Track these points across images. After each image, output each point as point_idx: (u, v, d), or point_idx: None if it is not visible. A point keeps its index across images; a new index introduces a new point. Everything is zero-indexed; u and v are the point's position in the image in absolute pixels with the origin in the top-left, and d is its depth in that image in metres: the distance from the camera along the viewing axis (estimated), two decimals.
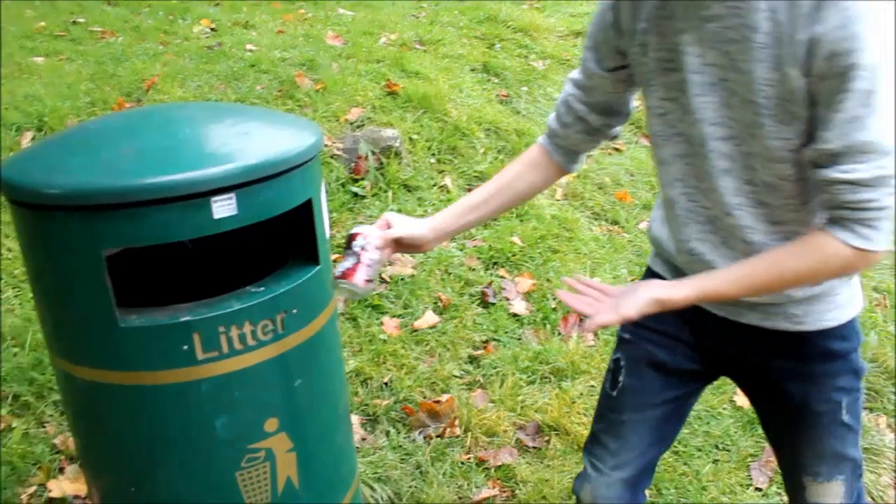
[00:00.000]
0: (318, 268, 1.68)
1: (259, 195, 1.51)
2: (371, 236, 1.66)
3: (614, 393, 1.69)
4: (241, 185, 1.46)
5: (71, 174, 1.44)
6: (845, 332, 1.51)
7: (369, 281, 1.67)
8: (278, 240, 1.78)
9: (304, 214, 1.66)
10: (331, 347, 1.81)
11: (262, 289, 1.61)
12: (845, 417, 1.56)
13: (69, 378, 1.63)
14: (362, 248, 1.65)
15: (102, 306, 1.46)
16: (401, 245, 1.71)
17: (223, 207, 1.46)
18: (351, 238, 1.66)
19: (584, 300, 1.46)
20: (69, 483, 2.32)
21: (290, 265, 1.70)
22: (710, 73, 1.32)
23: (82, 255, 1.45)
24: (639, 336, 1.67)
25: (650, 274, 1.70)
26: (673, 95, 1.39)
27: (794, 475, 1.66)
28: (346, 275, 1.65)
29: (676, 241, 1.53)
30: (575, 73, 1.65)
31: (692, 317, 1.57)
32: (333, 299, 1.81)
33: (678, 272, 1.59)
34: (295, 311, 1.62)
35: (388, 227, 1.69)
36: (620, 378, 1.68)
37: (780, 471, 1.76)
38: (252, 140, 1.58)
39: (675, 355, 1.63)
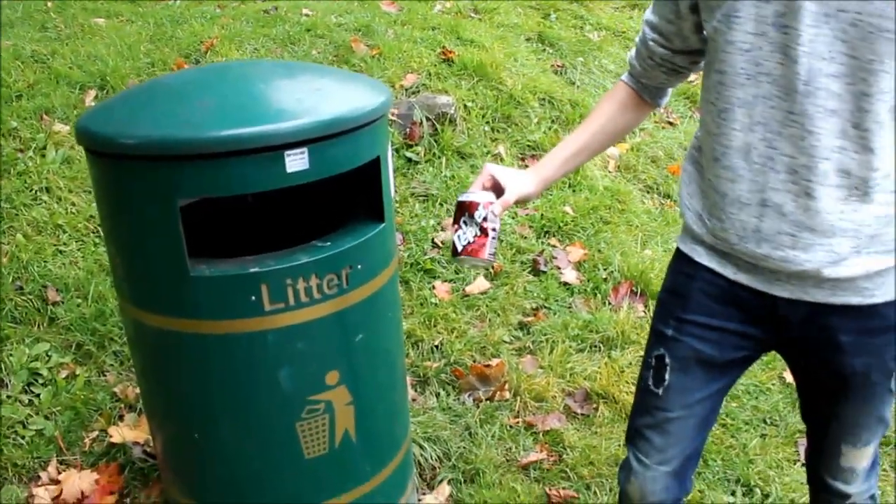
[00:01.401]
0: (382, 225, 1.71)
1: (330, 151, 1.54)
2: (493, 205, 1.59)
3: (660, 391, 1.64)
4: (313, 139, 1.49)
5: (148, 125, 1.48)
6: None
7: (493, 253, 1.63)
8: (345, 197, 1.81)
9: (372, 172, 1.69)
10: (391, 305, 1.84)
11: (329, 244, 1.64)
12: (893, 385, 1.54)
13: (139, 325, 1.68)
14: (484, 219, 1.58)
15: (175, 256, 1.51)
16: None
17: (296, 161, 1.48)
18: (468, 208, 1.59)
19: None
20: (128, 430, 2.39)
21: (356, 222, 1.73)
22: (829, 3, 1.25)
23: (157, 204, 1.49)
24: (683, 332, 1.60)
25: (679, 256, 1.63)
26: (763, 30, 1.32)
27: (833, 444, 1.64)
28: (473, 251, 1.59)
29: (742, 194, 1.44)
30: (650, 16, 1.58)
31: (746, 303, 1.53)
32: (396, 257, 1.83)
33: (718, 254, 1.54)
34: (359, 266, 1.65)
35: (495, 183, 1.65)
36: (666, 376, 1.63)
37: (808, 442, 1.74)
38: (324, 97, 1.60)
39: (724, 347, 1.58)
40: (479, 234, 1.59)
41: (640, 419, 1.70)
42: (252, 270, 1.53)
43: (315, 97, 1.60)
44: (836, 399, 1.59)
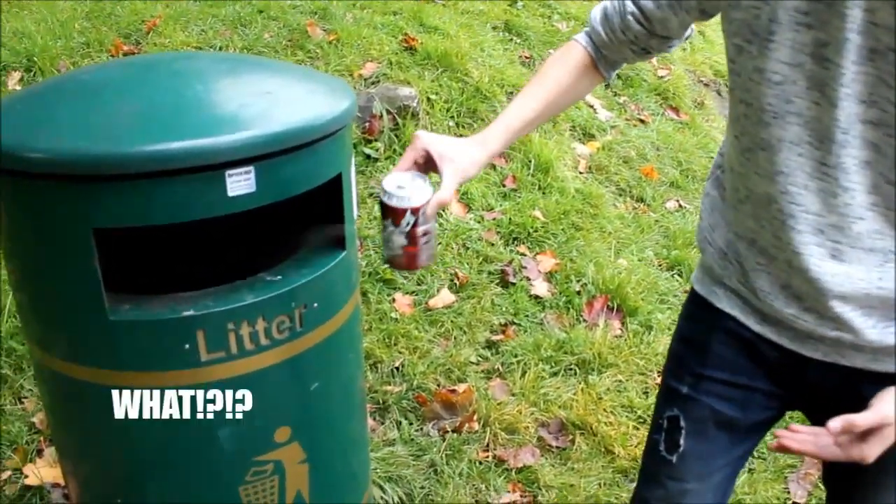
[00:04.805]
0: (343, 253, 1.44)
1: (282, 169, 1.26)
2: (424, 208, 1.28)
3: (673, 458, 1.42)
4: (261, 156, 1.22)
5: (59, 136, 1.19)
6: None
7: (430, 256, 1.36)
8: (298, 219, 1.54)
9: (331, 191, 1.42)
10: (352, 344, 1.58)
11: (279, 278, 1.37)
12: None
13: (46, 371, 1.39)
14: (413, 226, 1.29)
15: (89, 295, 1.22)
16: None
17: (239, 183, 1.21)
18: (391, 214, 1.30)
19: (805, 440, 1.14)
20: (48, 469, 2.09)
21: (312, 250, 1.46)
22: (878, 36, 1.02)
23: (67, 232, 1.20)
24: (701, 391, 1.39)
25: (695, 300, 1.42)
26: (800, 60, 1.09)
27: None
28: (403, 265, 1.35)
29: (768, 247, 1.24)
30: None
31: (771, 359, 1.33)
32: (357, 289, 1.57)
33: (742, 300, 1.32)
34: (316, 304, 1.39)
35: (428, 160, 1.35)
36: (681, 441, 1.41)
37: None
38: (276, 102, 1.32)
39: (748, 408, 1.37)
40: (407, 244, 1.31)
41: (649, 490, 1.46)
42: (186, 314, 1.25)
43: (264, 102, 1.31)
44: (863, 477, 1.37)
